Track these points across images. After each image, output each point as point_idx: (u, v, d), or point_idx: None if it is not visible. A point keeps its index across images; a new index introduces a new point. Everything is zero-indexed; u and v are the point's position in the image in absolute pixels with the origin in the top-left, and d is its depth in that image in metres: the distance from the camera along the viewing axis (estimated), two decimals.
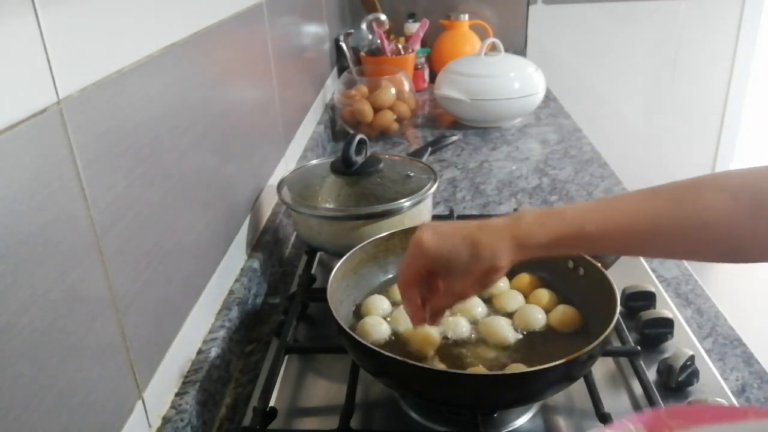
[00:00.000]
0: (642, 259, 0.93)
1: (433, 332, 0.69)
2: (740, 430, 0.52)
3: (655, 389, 0.65)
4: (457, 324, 0.70)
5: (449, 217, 1.01)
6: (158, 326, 0.61)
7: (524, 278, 0.77)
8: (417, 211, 0.90)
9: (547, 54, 2.59)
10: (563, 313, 0.71)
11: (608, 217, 0.55)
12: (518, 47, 2.13)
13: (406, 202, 0.88)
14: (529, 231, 0.57)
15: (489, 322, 0.71)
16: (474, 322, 0.72)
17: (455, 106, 1.55)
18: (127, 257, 0.54)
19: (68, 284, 0.45)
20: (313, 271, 0.91)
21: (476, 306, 0.74)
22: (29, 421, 0.41)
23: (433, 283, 0.63)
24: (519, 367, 0.63)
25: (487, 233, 0.58)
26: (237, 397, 0.73)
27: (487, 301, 0.75)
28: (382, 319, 0.72)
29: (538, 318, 0.71)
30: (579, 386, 0.66)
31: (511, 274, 0.77)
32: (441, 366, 0.65)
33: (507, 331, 0.69)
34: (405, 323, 0.70)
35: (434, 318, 0.64)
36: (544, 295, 0.74)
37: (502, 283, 0.77)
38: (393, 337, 0.70)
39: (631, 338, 0.72)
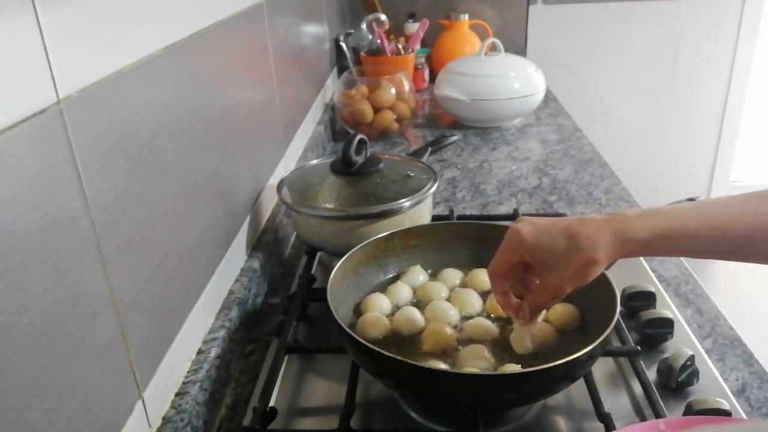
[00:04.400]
0: (642, 259, 0.93)
1: (447, 330, 0.69)
2: (737, 431, 0.52)
3: (655, 389, 0.65)
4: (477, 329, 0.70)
5: (449, 217, 1.01)
6: (158, 326, 0.61)
7: None
8: (417, 211, 0.90)
9: (547, 54, 2.58)
10: (563, 309, 0.71)
11: (708, 215, 0.56)
12: (518, 47, 2.13)
13: (406, 202, 0.88)
14: (630, 226, 0.57)
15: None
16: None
17: (455, 106, 1.55)
18: (127, 257, 0.54)
19: (68, 284, 0.45)
20: (313, 271, 0.91)
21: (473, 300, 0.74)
22: (29, 421, 0.41)
23: (526, 280, 0.63)
24: (519, 368, 0.63)
25: (587, 226, 0.58)
26: (237, 397, 0.73)
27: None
28: (382, 315, 0.71)
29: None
30: (579, 386, 0.66)
31: None
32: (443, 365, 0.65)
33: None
34: (407, 325, 0.71)
35: (532, 316, 0.63)
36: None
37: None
38: (393, 333, 0.70)
39: (631, 338, 0.72)
